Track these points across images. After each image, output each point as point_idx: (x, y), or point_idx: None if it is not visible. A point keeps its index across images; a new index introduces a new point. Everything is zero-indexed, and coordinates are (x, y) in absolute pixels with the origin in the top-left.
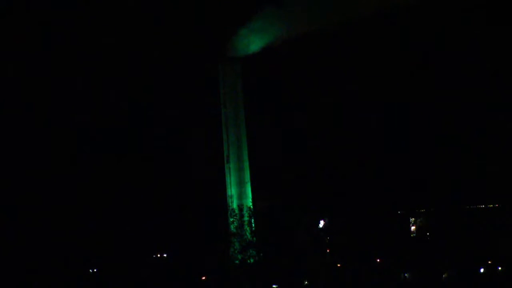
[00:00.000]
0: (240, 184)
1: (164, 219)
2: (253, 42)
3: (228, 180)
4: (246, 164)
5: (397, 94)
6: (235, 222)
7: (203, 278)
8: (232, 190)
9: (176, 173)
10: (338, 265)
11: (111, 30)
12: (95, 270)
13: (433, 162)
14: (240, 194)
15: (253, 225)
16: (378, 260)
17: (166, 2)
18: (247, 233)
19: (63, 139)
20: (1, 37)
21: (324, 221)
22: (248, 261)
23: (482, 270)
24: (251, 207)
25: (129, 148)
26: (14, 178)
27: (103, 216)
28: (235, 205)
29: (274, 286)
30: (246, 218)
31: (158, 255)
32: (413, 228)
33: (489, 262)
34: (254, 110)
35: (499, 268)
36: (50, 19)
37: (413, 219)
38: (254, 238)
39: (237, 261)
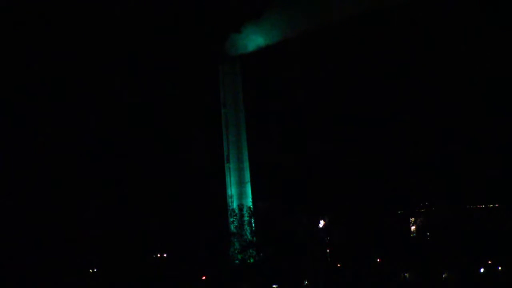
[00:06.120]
0: (240, 184)
1: (164, 219)
2: (252, 42)
3: (228, 180)
4: (246, 164)
5: (398, 94)
6: (235, 222)
7: (203, 278)
8: (232, 190)
9: (176, 173)
10: (338, 265)
11: (111, 30)
12: (95, 270)
13: (433, 162)
14: (240, 194)
15: (253, 225)
16: (378, 260)
17: (166, 2)
18: (247, 233)
19: (63, 138)
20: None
21: (324, 221)
22: (248, 261)
23: (482, 270)
24: (251, 207)
25: (129, 147)
26: (14, 178)
27: (104, 216)
28: (235, 205)
29: (274, 286)
30: (246, 218)
31: (158, 255)
32: (413, 228)
33: (489, 262)
34: (254, 110)
35: (499, 268)
36: (49, 18)
37: (413, 219)
38: (254, 238)
39: (237, 261)
